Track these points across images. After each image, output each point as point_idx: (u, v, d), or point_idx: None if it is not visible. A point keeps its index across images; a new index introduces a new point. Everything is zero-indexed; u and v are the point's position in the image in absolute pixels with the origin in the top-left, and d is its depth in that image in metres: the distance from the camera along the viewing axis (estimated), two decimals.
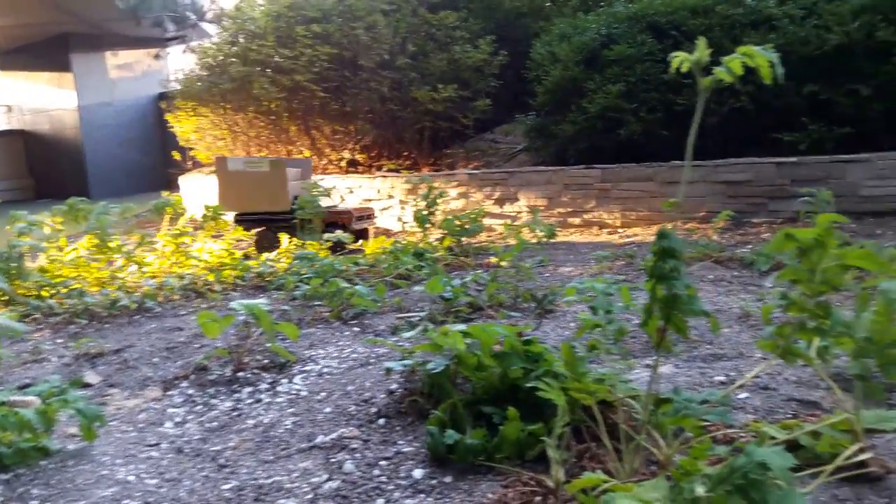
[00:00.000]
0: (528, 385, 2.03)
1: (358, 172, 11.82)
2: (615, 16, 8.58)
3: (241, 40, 12.52)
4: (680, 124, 7.85)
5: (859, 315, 2.08)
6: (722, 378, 2.56)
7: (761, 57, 1.84)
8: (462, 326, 2.39)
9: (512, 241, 6.74)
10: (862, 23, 6.95)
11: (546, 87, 9.05)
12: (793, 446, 1.99)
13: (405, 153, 11.72)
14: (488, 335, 2.28)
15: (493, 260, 5.29)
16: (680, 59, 1.92)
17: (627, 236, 7.60)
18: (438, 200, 6.83)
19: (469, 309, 3.96)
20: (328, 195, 8.10)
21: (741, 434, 2.07)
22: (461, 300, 3.98)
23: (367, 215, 8.34)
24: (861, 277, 3.94)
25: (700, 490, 1.56)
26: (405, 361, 2.53)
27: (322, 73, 11.25)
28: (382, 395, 2.72)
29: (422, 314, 3.89)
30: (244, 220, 8.10)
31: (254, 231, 7.68)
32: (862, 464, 1.82)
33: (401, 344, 3.10)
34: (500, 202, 9.22)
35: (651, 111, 7.91)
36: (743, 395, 2.37)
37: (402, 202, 9.84)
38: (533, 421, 2.10)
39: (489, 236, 8.12)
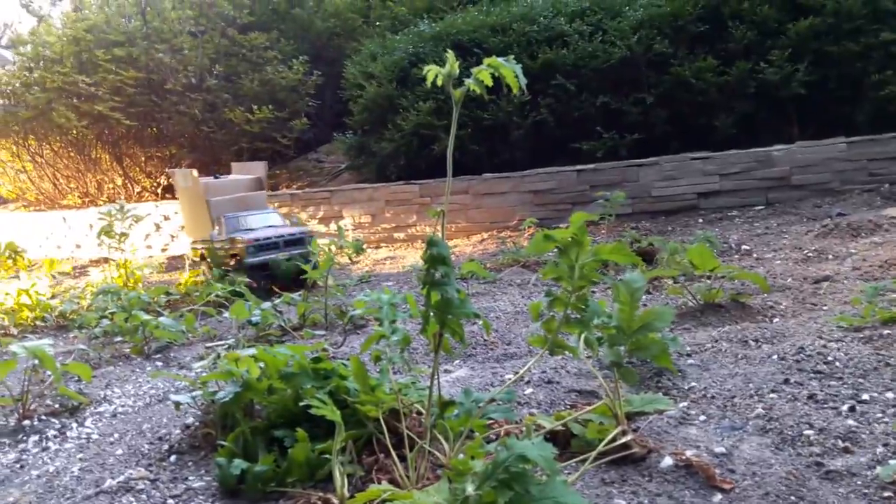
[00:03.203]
0: (301, 405, 2.00)
1: (176, 198, 11.26)
2: (421, 35, 8.83)
3: (40, 66, 11.62)
4: (489, 138, 8.24)
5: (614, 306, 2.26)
6: (511, 376, 2.67)
7: (506, 68, 1.91)
8: (252, 351, 2.31)
9: (342, 259, 6.70)
10: (641, 37, 7.65)
11: (362, 105, 9.13)
12: (571, 435, 2.11)
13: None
14: (275, 358, 2.22)
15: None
16: (434, 73, 1.97)
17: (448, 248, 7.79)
18: None
19: (280, 332, 3.87)
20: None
21: (522, 428, 2.16)
22: (274, 323, 3.88)
23: (297, 240, 6.08)
24: (621, 271, 4.30)
25: (470, 489, 1.60)
26: (195, 393, 2.40)
27: (129, 98, 10.65)
28: (178, 431, 2.58)
29: (230, 342, 3.74)
30: (195, 249, 6.61)
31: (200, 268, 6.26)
32: (626, 446, 1.95)
33: (203, 374, 2.96)
34: (325, 221, 9.13)
35: (461, 127, 8.19)
36: (529, 391, 2.49)
37: None
38: (327, 440, 2.07)
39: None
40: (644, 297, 3.99)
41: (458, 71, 1.93)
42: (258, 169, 7.31)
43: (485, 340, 3.33)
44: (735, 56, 7.38)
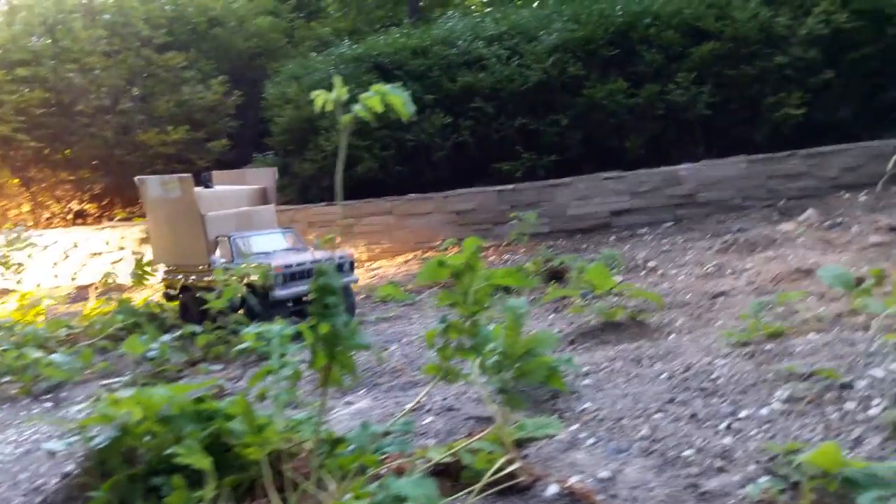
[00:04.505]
0: (167, 453, 1.91)
1: (87, 224, 10.83)
2: (341, 56, 8.80)
3: None
4: (413, 159, 8.24)
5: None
6: (413, 404, 2.63)
7: (393, 95, 1.88)
8: (131, 391, 2.19)
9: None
10: (555, 60, 7.82)
11: (281, 126, 9.01)
12: (461, 466, 2.08)
13: (140, 200, 11.00)
14: (152, 399, 2.11)
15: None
16: (322, 99, 1.91)
17: (373, 269, 7.73)
18: None
19: (178, 368, 3.72)
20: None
21: (415, 462, 2.12)
22: (171, 358, 3.73)
23: (337, 266, 4.79)
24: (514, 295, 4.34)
25: None
26: (70, 439, 2.26)
27: (36, 120, 10.21)
28: (55, 480, 2.42)
29: (127, 379, 3.58)
30: (172, 278, 5.25)
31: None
32: (512, 475, 1.93)
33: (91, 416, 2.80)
34: None
35: (384, 148, 8.17)
36: (429, 420, 2.45)
37: (135, 253, 9.09)
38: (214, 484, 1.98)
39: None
40: (550, 316, 4.03)
41: (346, 96, 1.88)
42: (265, 178, 5.68)
43: (392, 368, 3.29)
44: (644, 79, 7.63)
